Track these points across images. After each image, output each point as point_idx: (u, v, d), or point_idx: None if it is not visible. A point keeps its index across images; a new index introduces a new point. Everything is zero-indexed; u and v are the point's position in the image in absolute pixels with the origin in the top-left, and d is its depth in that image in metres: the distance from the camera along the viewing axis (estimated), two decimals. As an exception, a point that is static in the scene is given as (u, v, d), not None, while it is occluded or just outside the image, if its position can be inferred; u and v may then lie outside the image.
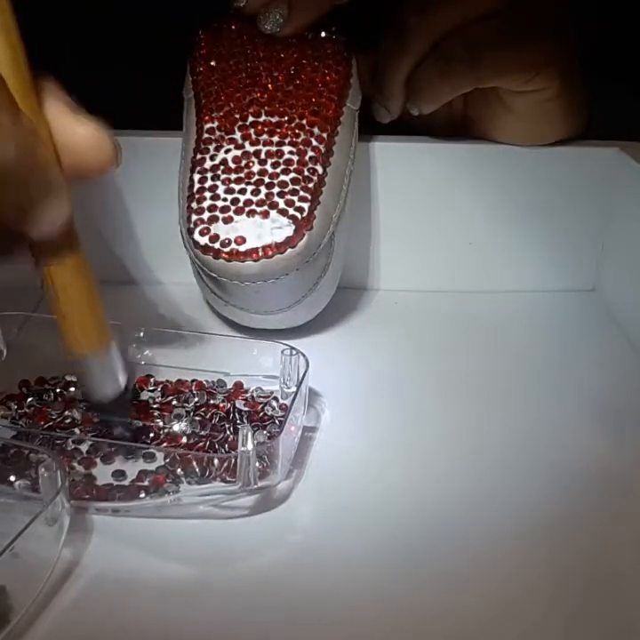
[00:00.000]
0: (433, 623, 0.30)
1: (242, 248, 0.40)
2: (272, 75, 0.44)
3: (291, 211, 0.40)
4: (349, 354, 0.45)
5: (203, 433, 0.37)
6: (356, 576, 0.31)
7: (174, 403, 0.39)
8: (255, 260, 0.39)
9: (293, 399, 0.36)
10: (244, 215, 0.40)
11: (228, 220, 0.40)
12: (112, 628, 0.29)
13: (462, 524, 0.34)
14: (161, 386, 0.40)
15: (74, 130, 0.29)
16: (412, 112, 0.46)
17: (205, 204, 0.41)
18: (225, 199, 0.41)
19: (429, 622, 0.30)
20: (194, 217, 0.41)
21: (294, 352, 0.39)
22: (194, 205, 0.41)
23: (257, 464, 0.33)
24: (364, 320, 0.48)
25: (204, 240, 0.40)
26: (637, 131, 0.48)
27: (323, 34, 0.45)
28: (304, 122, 0.42)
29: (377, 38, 0.46)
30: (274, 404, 0.39)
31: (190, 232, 0.40)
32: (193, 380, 0.40)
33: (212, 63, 0.44)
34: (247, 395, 0.40)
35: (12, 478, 0.33)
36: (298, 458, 0.37)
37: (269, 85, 0.43)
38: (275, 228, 0.40)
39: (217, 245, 0.40)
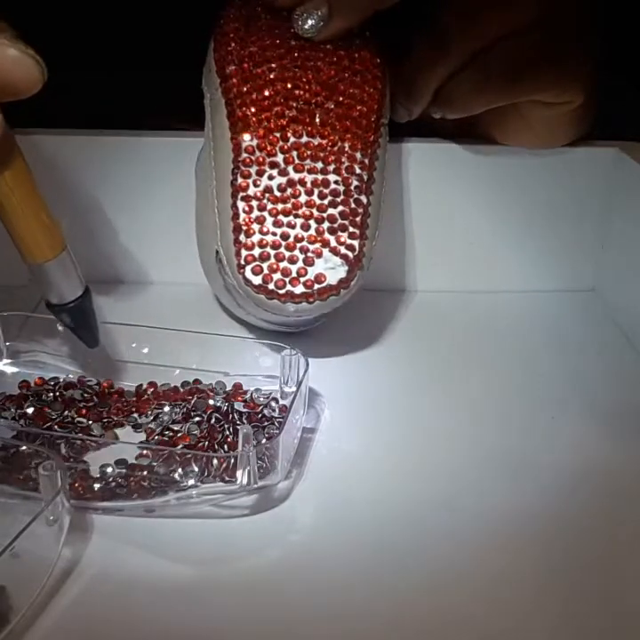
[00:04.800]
0: (433, 621, 0.30)
1: (297, 290, 0.40)
2: (311, 88, 0.42)
3: (342, 249, 0.40)
4: (349, 354, 0.45)
5: (200, 433, 0.37)
6: (356, 576, 0.31)
7: (173, 404, 0.39)
8: (310, 303, 0.40)
9: (293, 400, 0.36)
10: (297, 252, 0.40)
11: (280, 258, 0.40)
12: (112, 628, 0.29)
13: (463, 524, 0.34)
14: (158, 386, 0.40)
15: (3, 52, 0.30)
16: (434, 115, 0.46)
17: (255, 238, 0.40)
18: (274, 233, 0.40)
19: (430, 620, 0.30)
20: (244, 252, 0.40)
21: (294, 352, 0.39)
22: (242, 239, 0.40)
23: (257, 464, 0.33)
24: (364, 320, 0.48)
25: (257, 280, 0.40)
26: (637, 131, 0.48)
27: (357, 40, 0.43)
28: (346, 145, 0.42)
29: (399, 38, 0.45)
30: (273, 405, 0.39)
31: (241, 268, 0.40)
32: (194, 380, 0.40)
33: (244, 65, 0.42)
34: (246, 396, 0.40)
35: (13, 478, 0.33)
36: (297, 458, 0.37)
37: (308, 99, 0.42)
38: (328, 269, 0.40)
39: (271, 286, 0.40)
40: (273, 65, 0.42)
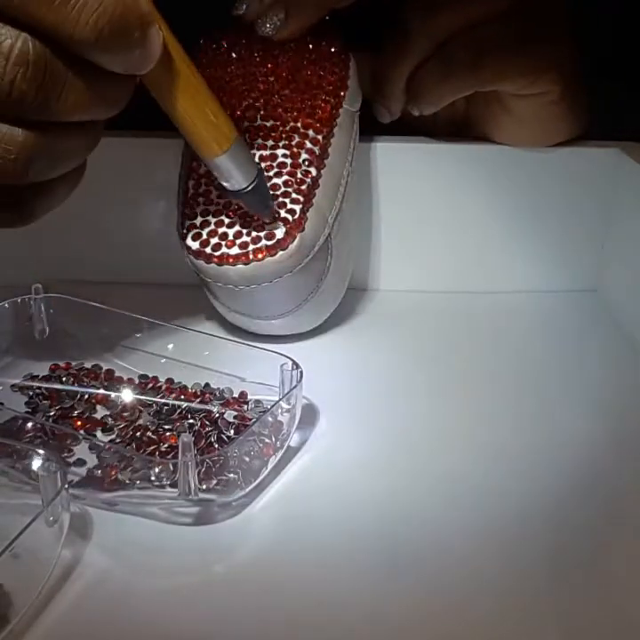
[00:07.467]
0: (429, 625, 0.30)
1: (232, 251, 0.40)
2: (268, 79, 0.44)
3: (282, 213, 0.40)
4: (348, 357, 0.45)
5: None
6: (356, 579, 0.31)
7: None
8: (246, 264, 0.40)
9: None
10: (236, 218, 0.41)
11: (219, 225, 0.41)
12: (112, 628, 0.29)
13: (460, 525, 0.34)
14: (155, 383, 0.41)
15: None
16: (412, 112, 0.46)
17: (198, 209, 0.41)
18: (217, 203, 0.41)
19: (426, 624, 0.30)
20: (187, 222, 0.41)
21: (289, 367, 0.37)
22: (187, 211, 0.41)
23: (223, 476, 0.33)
24: (363, 321, 0.48)
25: (195, 245, 0.40)
26: (637, 131, 0.48)
27: (320, 36, 0.45)
28: (299, 124, 0.42)
29: (376, 37, 0.46)
30: (269, 419, 0.37)
31: (183, 237, 0.41)
32: (205, 384, 0.40)
33: (210, 70, 0.44)
34: (245, 406, 0.39)
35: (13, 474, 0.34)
36: (291, 467, 0.36)
37: (266, 89, 0.43)
38: (266, 231, 0.40)
39: (208, 250, 0.40)
40: (236, 65, 0.44)
